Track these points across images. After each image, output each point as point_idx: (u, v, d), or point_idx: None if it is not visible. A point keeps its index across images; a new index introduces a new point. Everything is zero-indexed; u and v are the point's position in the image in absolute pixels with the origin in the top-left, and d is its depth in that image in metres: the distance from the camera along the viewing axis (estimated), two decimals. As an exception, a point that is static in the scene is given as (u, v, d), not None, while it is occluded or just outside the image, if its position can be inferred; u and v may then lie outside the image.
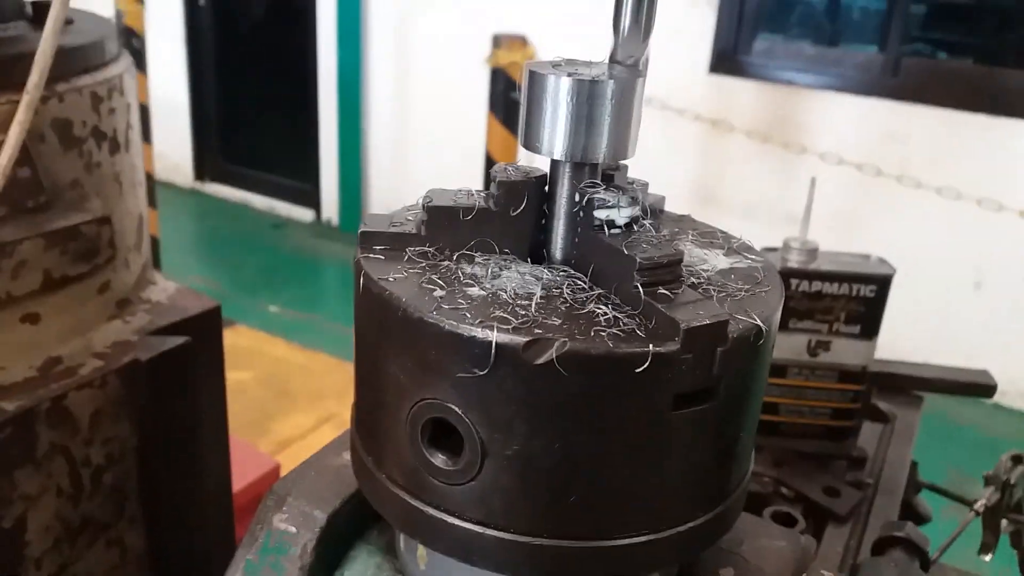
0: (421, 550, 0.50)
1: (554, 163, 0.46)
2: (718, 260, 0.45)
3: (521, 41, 3.41)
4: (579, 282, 0.44)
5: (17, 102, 0.83)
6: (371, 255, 0.47)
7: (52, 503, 0.92)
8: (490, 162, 3.68)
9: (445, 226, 0.48)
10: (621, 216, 0.44)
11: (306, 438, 3.20)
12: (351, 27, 4.92)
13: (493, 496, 0.42)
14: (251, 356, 3.76)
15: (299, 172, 5.47)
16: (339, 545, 0.54)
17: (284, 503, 0.53)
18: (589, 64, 0.46)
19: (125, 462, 1.00)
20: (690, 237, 0.48)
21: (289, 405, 3.38)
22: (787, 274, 1.17)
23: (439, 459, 0.43)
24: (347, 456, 0.57)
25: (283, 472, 2.06)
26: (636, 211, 0.43)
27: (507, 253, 0.47)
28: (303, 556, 0.51)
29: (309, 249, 5.08)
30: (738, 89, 4.15)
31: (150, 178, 3.74)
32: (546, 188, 0.47)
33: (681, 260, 0.41)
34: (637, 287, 0.40)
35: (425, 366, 0.41)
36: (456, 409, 0.41)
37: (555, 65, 0.46)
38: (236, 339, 3.93)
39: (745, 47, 4.29)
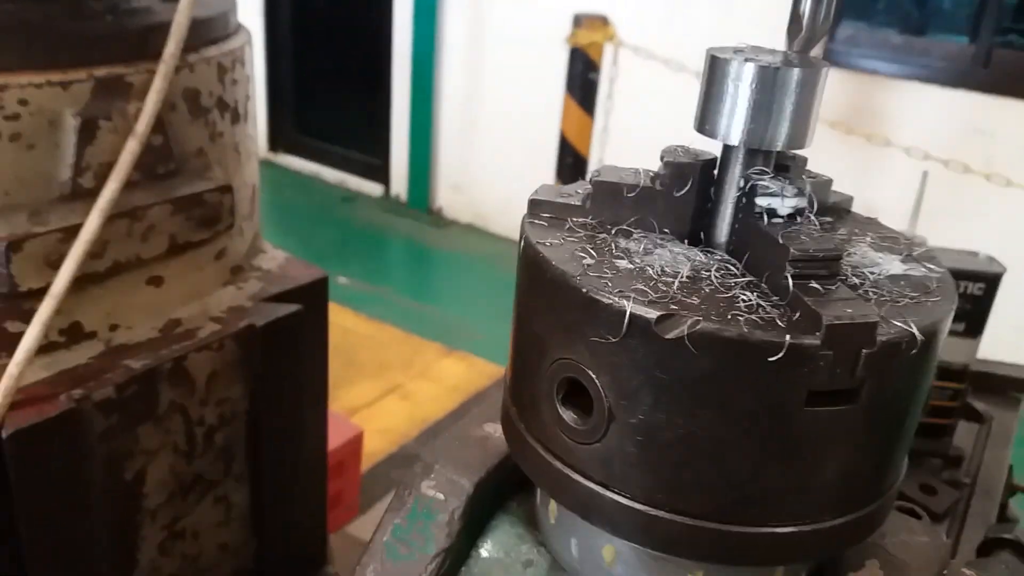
0: (552, 505, 0.51)
1: (727, 148, 0.46)
2: (892, 265, 0.43)
3: (602, 21, 3.38)
4: (731, 268, 0.43)
5: (152, 72, 0.86)
6: (536, 220, 0.49)
7: (168, 459, 0.96)
8: (564, 143, 3.67)
9: (608, 201, 0.48)
10: (784, 206, 0.43)
11: (371, 407, 3.25)
12: (427, 2, 4.93)
13: (615, 460, 0.43)
14: (320, 326, 3.84)
15: (370, 147, 5.52)
16: (482, 514, 0.55)
17: (432, 470, 0.55)
18: (771, 52, 0.46)
19: (235, 423, 1.03)
20: (869, 239, 0.47)
21: (356, 374, 3.44)
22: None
23: (569, 416, 0.44)
24: (489, 428, 0.58)
25: (364, 438, 2.10)
26: (801, 202, 0.42)
27: (666, 233, 0.47)
28: (451, 523, 0.52)
29: (377, 223, 5.13)
30: (819, 76, 4.06)
31: (229, 148, 3.82)
32: (714, 172, 0.47)
33: (839, 256, 0.40)
34: (787, 277, 0.40)
35: (565, 327, 0.43)
36: (589, 371, 0.42)
37: (736, 51, 0.46)
38: (306, 309, 4.01)
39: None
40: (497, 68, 4.76)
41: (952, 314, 0.41)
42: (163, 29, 0.87)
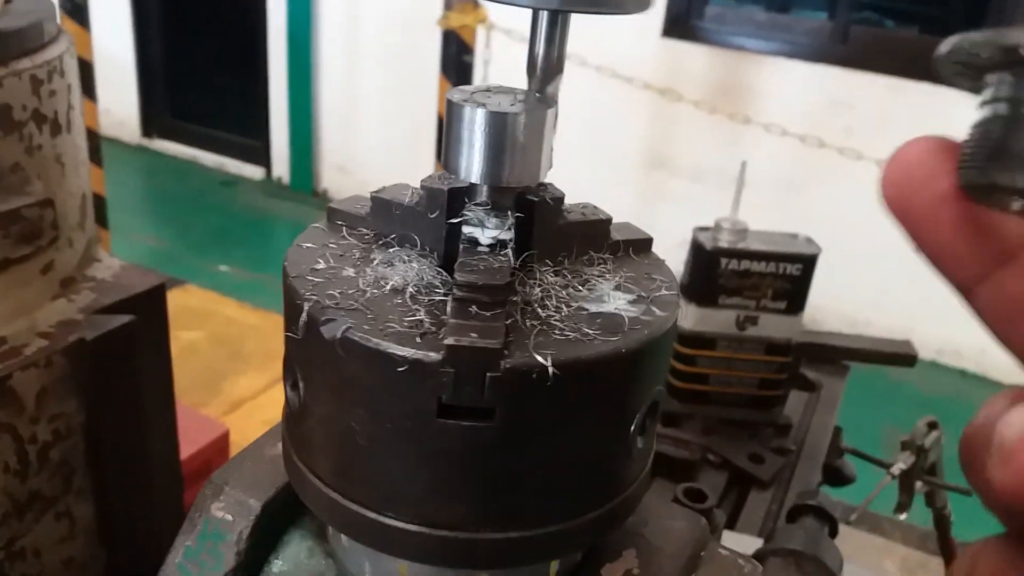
0: None
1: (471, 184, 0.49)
2: (609, 305, 0.45)
3: (473, 3, 3.39)
4: (438, 289, 0.46)
5: (-45, 87, 0.84)
6: (318, 225, 0.53)
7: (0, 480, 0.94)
8: (441, 124, 3.68)
9: (383, 216, 0.52)
10: (485, 236, 0.46)
11: (258, 398, 3.21)
12: (302, -18, 4.84)
13: (315, 450, 0.48)
14: (202, 316, 3.74)
15: (249, 129, 5.40)
16: (274, 530, 0.58)
17: (221, 492, 0.57)
18: (508, 92, 0.50)
19: (72, 438, 1.02)
20: (620, 278, 0.49)
21: (242, 365, 3.38)
22: (717, 253, 1.22)
23: (290, 394, 0.49)
24: (280, 447, 0.60)
25: (232, 436, 2.09)
26: (504, 235, 0.46)
27: (425, 251, 0.50)
28: (239, 542, 0.55)
29: (259, 207, 5.04)
30: (690, 54, 4.19)
31: (95, 135, 3.67)
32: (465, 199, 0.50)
33: (501, 287, 0.43)
34: (454, 301, 0.43)
35: (287, 320, 0.48)
36: (294, 365, 0.48)
37: (474, 92, 0.49)
38: (187, 299, 3.90)
39: (698, 12, 4.32)
40: (375, 48, 4.72)
41: (632, 351, 0.43)
42: (-34, 42, 0.85)
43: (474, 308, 0.42)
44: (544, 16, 0.50)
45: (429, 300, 0.45)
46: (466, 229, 0.46)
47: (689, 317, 1.26)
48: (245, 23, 5.16)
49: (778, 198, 3.83)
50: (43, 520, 1.01)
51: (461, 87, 0.49)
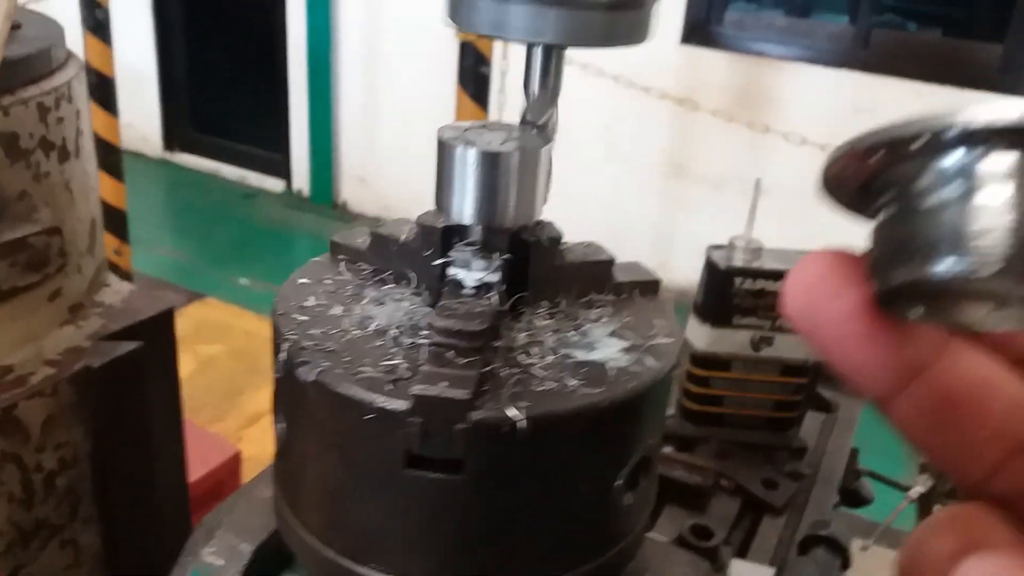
0: None
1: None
2: (600, 353, 0.43)
3: (490, 14, 3.38)
4: (423, 332, 0.45)
5: (-41, 117, 0.84)
6: (319, 259, 0.53)
7: (4, 509, 0.94)
8: (460, 136, 3.67)
9: (382, 252, 0.51)
10: (471, 279, 0.45)
11: (277, 412, 3.23)
12: (320, -5, 4.86)
13: (296, 490, 0.48)
14: (221, 330, 3.77)
15: (269, 142, 5.42)
16: (269, 573, 0.56)
17: (213, 535, 0.55)
18: (501, 129, 0.48)
19: (78, 466, 1.02)
20: (618, 324, 0.46)
21: (260, 379, 3.39)
22: (732, 272, 1.20)
23: (278, 430, 0.49)
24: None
25: (250, 449, 2.08)
26: (490, 277, 0.44)
27: (420, 289, 0.49)
28: (230, 589, 0.54)
29: (280, 220, 5.06)
30: (710, 60, 4.15)
31: (117, 150, 3.70)
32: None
33: (479, 335, 0.41)
34: (431, 347, 0.42)
35: (274, 357, 0.48)
36: (278, 399, 0.48)
37: (466, 130, 0.47)
38: (206, 312, 3.93)
39: (717, 17, 4.29)
40: (393, 60, 4.73)
41: (616, 404, 0.41)
42: (-29, 71, 0.85)
43: (451, 354, 0.41)
44: (539, 49, 0.48)
45: (411, 343, 0.44)
46: (451, 271, 0.45)
47: (703, 338, 1.24)
48: (265, 36, 5.20)
49: (797, 208, 3.79)
50: (48, 548, 1.01)
51: (452, 124, 0.48)
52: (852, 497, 1.35)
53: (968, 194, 0.23)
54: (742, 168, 4.02)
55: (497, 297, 0.44)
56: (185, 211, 5.32)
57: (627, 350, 0.44)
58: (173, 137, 5.80)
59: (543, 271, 0.48)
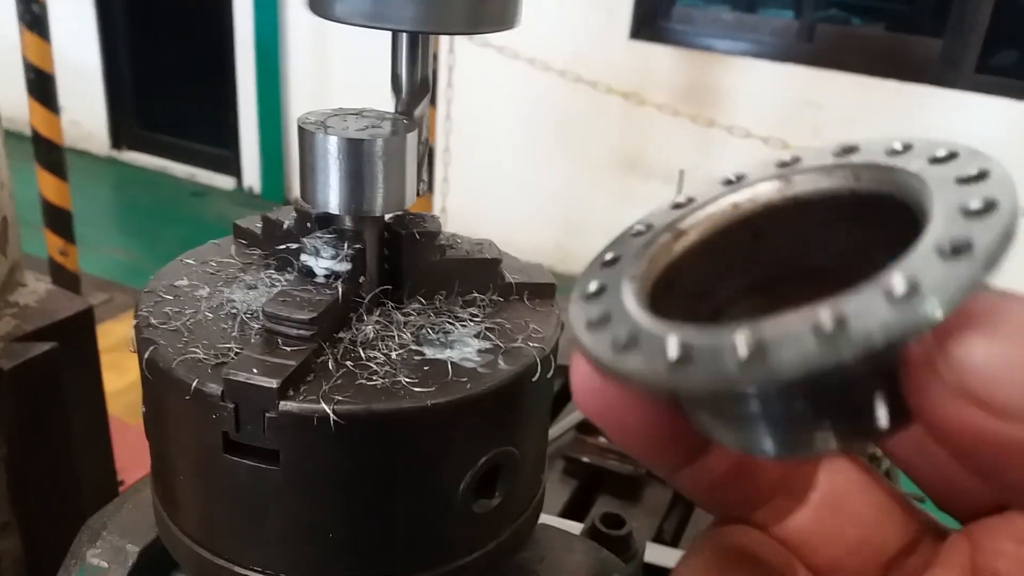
0: None
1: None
2: (450, 353, 0.41)
3: (436, 9, 3.37)
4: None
5: None
6: (217, 241, 0.53)
7: (-86, 516, 0.91)
8: (409, 131, 3.65)
9: (269, 237, 0.50)
10: (319, 267, 0.44)
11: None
12: (268, -11, 4.80)
13: (155, 473, 0.48)
14: (170, 331, 3.70)
15: (219, 139, 5.35)
16: (157, 574, 0.55)
17: (98, 537, 0.54)
18: (368, 116, 0.48)
19: (-7, 470, 0.99)
20: (480, 323, 0.44)
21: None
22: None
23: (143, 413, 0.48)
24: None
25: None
26: (339, 266, 0.43)
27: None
28: (114, 592, 0.53)
29: (231, 218, 4.97)
30: (658, 55, 4.18)
31: (59, 148, 3.62)
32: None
33: (310, 324, 0.40)
34: (259, 333, 0.41)
35: None
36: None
37: (331, 116, 0.47)
38: (155, 313, 3.86)
39: (664, 12, 4.31)
40: (343, 54, 4.69)
41: (443, 406, 0.39)
42: None
43: (280, 341, 0.40)
44: (404, 38, 0.48)
45: (257, 329, 0.43)
46: (303, 258, 0.44)
47: (633, 328, 1.24)
48: (212, 32, 5.12)
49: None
50: (-36, 555, 0.98)
51: (314, 111, 0.47)
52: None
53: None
54: (689, 162, 4.05)
55: (341, 287, 0.43)
56: (134, 210, 5.23)
57: (484, 352, 0.42)
58: (120, 135, 5.69)
59: (419, 265, 0.47)
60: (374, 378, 0.39)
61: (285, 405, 0.37)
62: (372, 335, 0.42)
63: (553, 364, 0.44)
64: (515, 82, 4.12)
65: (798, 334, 0.20)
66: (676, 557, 0.98)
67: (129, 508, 0.56)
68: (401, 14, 0.42)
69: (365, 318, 0.44)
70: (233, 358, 0.39)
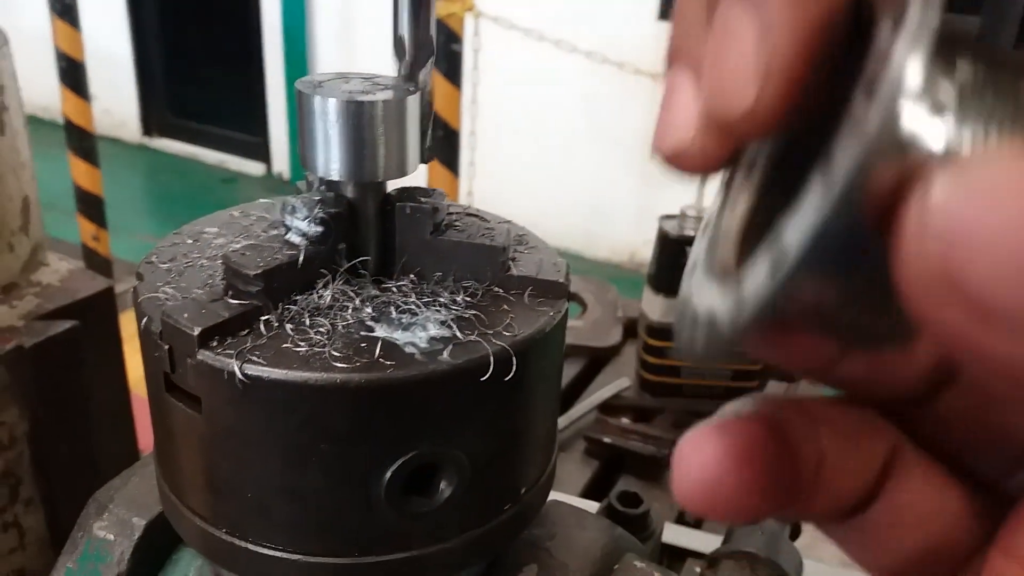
0: None
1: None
2: (400, 335, 0.39)
3: (462, -9, 3.34)
4: None
5: None
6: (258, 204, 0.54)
7: (-61, 492, 0.92)
8: (435, 116, 3.64)
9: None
10: (295, 228, 0.42)
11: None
12: (295, -25, 4.81)
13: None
14: (201, 315, 3.74)
15: (248, 125, 5.38)
16: (163, 548, 0.55)
17: (105, 510, 0.54)
18: (366, 79, 0.46)
19: (16, 447, 1.00)
20: (455, 310, 0.42)
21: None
22: (683, 242, 1.18)
23: None
24: (174, 460, 0.57)
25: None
26: (308, 227, 0.42)
27: None
28: (120, 563, 0.52)
29: (261, 204, 5.03)
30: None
31: (90, 135, 3.66)
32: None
33: (255, 280, 0.40)
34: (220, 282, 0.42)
35: None
36: None
37: (328, 80, 0.45)
38: (185, 298, 3.90)
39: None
40: (368, 39, 4.69)
41: (356, 388, 0.37)
42: None
43: (231, 293, 0.40)
44: (404, -5, 0.46)
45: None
46: (286, 218, 0.43)
47: (657, 308, 1.22)
48: (240, 19, 5.14)
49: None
50: (-11, 531, 0.99)
51: (314, 75, 0.46)
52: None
53: None
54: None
55: (306, 250, 0.42)
56: (165, 196, 5.28)
57: (436, 340, 0.39)
58: (151, 122, 5.74)
59: (411, 241, 0.45)
60: (302, 344, 0.37)
61: (202, 354, 0.37)
62: (328, 304, 0.41)
63: (516, 364, 0.40)
64: (541, 65, 4.08)
65: (802, 207, 0.20)
66: (698, 538, 0.97)
67: (136, 481, 0.55)
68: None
69: (330, 286, 0.42)
70: (192, 305, 0.39)
